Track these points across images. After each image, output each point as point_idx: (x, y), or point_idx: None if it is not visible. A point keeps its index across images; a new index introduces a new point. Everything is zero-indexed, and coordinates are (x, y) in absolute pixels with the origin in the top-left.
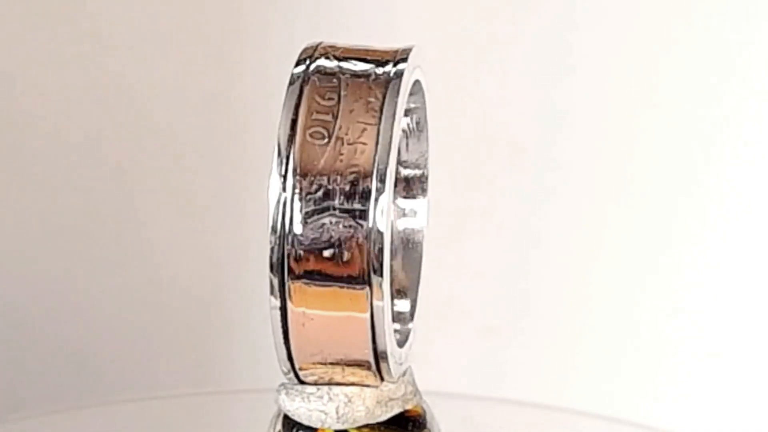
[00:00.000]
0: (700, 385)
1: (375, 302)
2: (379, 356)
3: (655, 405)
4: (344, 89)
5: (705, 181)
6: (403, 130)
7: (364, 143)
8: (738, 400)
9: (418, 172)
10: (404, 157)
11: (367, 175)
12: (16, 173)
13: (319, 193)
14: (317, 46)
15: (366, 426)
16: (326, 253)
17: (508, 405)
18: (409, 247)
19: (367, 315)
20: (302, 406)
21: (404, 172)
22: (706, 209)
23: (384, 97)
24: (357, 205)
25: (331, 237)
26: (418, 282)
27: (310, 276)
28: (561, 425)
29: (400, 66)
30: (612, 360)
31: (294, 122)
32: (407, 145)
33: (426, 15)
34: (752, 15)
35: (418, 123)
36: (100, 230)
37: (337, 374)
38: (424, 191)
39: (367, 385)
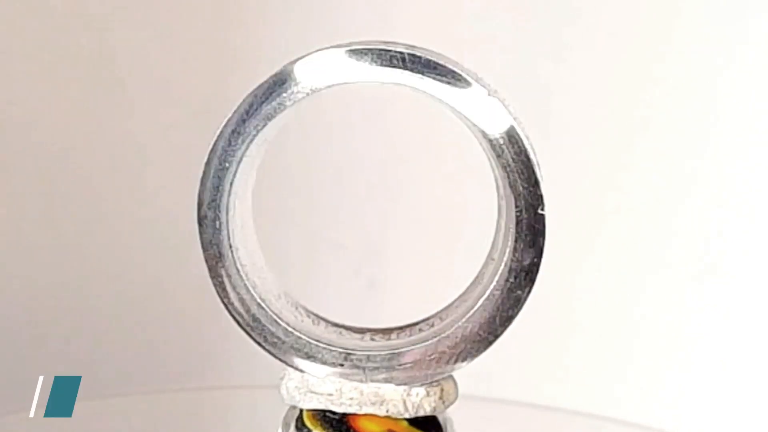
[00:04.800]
0: (694, 384)
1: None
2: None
3: (650, 404)
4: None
5: (703, 179)
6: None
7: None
8: (737, 400)
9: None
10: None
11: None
12: (16, 174)
13: None
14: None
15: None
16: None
17: (497, 405)
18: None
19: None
20: None
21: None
22: (702, 209)
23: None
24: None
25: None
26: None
27: None
28: (552, 424)
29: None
30: (605, 360)
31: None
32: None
33: (422, 13)
34: (749, 16)
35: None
36: (101, 229)
37: None
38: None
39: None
